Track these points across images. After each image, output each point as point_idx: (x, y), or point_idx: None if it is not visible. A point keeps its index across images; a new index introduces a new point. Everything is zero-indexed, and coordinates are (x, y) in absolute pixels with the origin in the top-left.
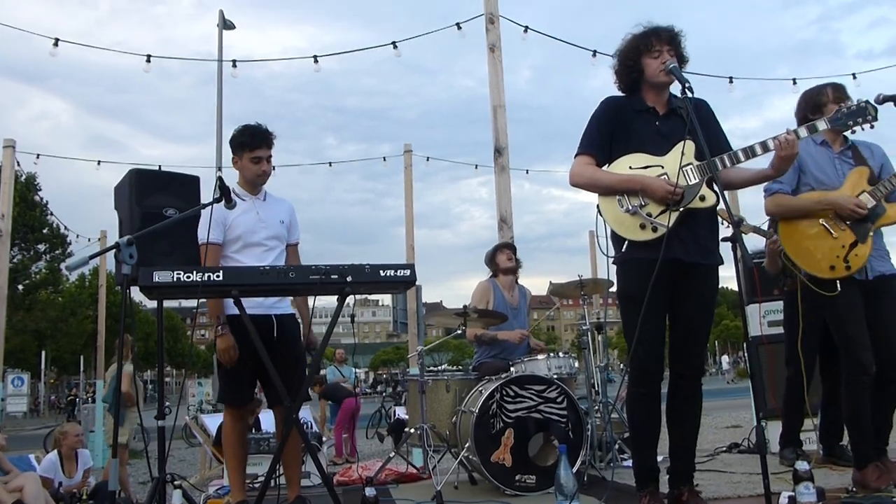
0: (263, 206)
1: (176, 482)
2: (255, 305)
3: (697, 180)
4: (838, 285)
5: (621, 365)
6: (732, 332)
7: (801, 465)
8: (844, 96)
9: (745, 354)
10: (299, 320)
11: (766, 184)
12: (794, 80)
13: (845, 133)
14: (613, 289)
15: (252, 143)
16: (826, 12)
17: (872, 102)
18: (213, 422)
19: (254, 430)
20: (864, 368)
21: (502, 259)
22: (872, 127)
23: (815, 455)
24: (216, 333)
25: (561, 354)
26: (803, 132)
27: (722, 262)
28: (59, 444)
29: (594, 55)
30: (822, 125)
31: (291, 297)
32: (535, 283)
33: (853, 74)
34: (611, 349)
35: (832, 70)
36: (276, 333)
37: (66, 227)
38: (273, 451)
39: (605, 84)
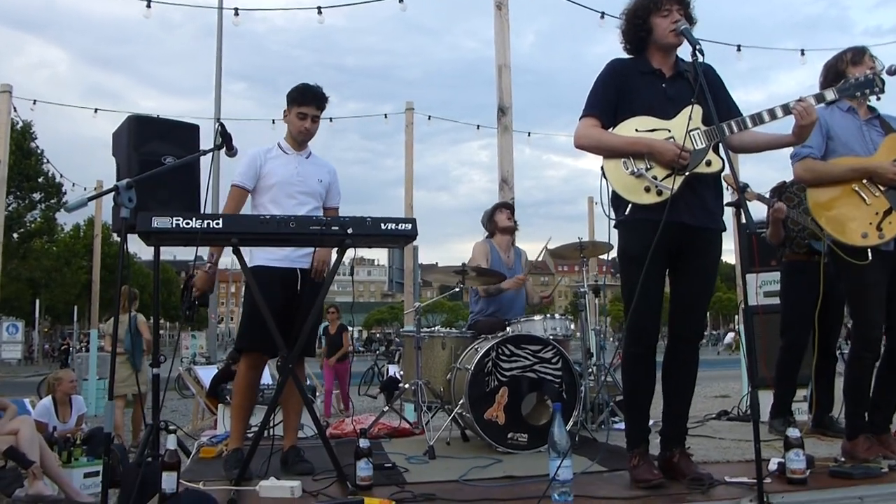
0: (304, 163)
1: (171, 428)
2: (281, 258)
3: (704, 145)
4: (869, 255)
5: (614, 334)
6: (725, 304)
7: (793, 433)
8: (863, 58)
9: (741, 324)
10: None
11: (794, 149)
12: (802, 51)
13: (870, 104)
14: (613, 254)
15: (301, 98)
16: None
17: (880, 75)
18: (206, 374)
19: None
20: (872, 347)
21: (501, 218)
22: (879, 99)
23: (805, 425)
24: (205, 270)
25: (557, 316)
26: (810, 100)
27: (725, 229)
28: (53, 390)
29: (602, 17)
30: (830, 94)
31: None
32: (532, 248)
33: (864, 46)
34: (605, 316)
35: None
36: (300, 286)
37: (62, 176)
38: (269, 401)
39: (610, 50)
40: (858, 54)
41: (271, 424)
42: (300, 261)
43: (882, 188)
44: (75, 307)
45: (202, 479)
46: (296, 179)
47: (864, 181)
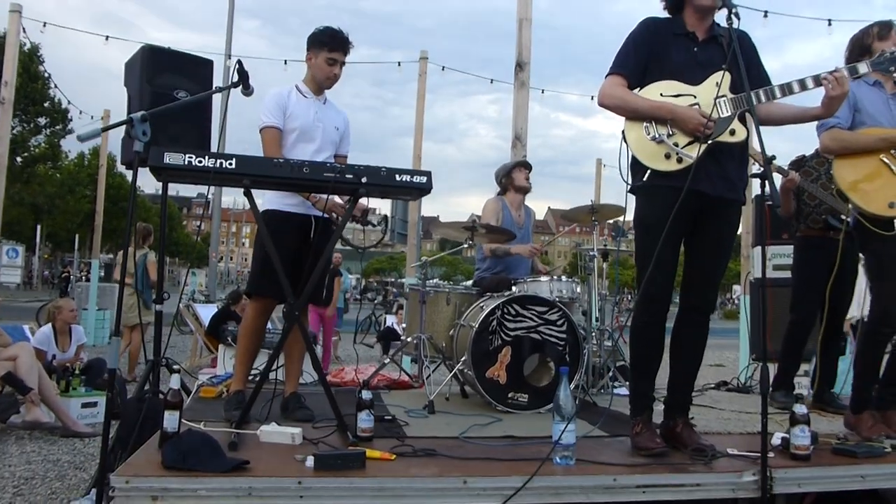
0: (323, 109)
1: (175, 367)
2: (298, 203)
3: (730, 113)
4: (895, 225)
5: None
6: (727, 274)
7: (799, 409)
8: (889, 33)
9: (746, 294)
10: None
11: (820, 119)
12: (829, 20)
13: None
14: (619, 218)
15: (333, 43)
16: None
17: None
18: (205, 312)
19: None
20: (891, 322)
21: (520, 177)
22: None
23: (806, 399)
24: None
25: (564, 278)
26: (844, 72)
27: (745, 202)
28: (52, 319)
29: None
30: (863, 67)
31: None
32: (534, 206)
33: (891, 20)
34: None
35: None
36: (314, 234)
37: (69, 102)
38: (269, 346)
39: (629, 9)
40: (885, 28)
41: (274, 368)
42: (315, 208)
43: None
44: (77, 236)
45: (202, 419)
46: (316, 125)
47: (893, 151)
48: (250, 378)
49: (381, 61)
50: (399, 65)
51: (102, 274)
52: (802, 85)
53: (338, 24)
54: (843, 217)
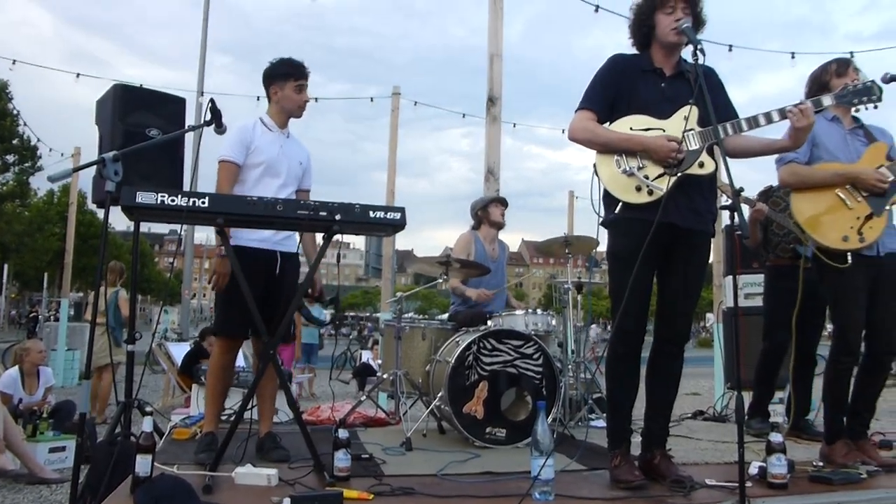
0: (287, 143)
1: (147, 409)
2: (262, 240)
3: (698, 146)
4: (849, 258)
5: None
6: (700, 303)
7: (775, 437)
8: (848, 70)
9: (719, 322)
10: (302, 260)
11: (779, 154)
12: (792, 53)
13: (854, 114)
14: (595, 249)
15: (297, 72)
16: None
17: (879, 82)
18: (178, 350)
19: None
20: (852, 351)
21: (496, 212)
22: (876, 107)
23: (781, 427)
24: (218, 254)
25: (539, 311)
26: (809, 106)
27: (714, 234)
28: (20, 361)
29: (596, 10)
30: (827, 100)
31: (299, 238)
32: (507, 239)
33: (850, 53)
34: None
35: (823, 49)
36: (279, 270)
37: (39, 139)
38: (243, 385)
39: (599, 44)
40: (843, 65)
41: (249, 407)
42: (281, 244)
43: (864, 194)
44: (46, 274)
45: (176, 461)
46: (282, 160)
47: (847, 186)
48: (224, 418)
49: (355, 97)
50: (372, 100)
51: (72, 313)
52: (768, 118)
53: (311, 59)
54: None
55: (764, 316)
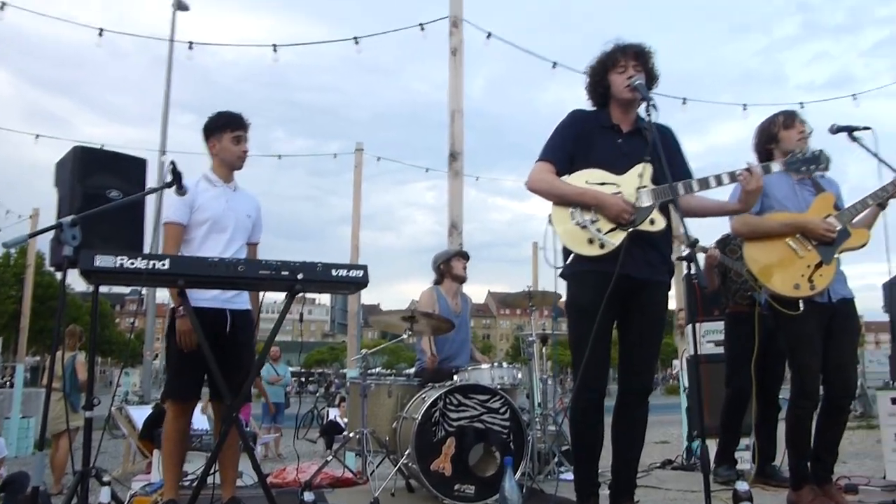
0: (234, 196)
1: (105, 479)
2: (211, 298)
3: (650, 203)
4: (801, 306)
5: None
6: (663, 349)
7: (741, 486)
8: (794, 122)
9: (682, 372)
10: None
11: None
12: (744, 105)
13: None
14: (556, 300)
15: (233, 123)
16: (771, 44)
17: (826, 153)
18: (139, 414)
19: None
20: (810, 395)
21: (458, 266)
22: (823, 176)
23: (748, 474)
24: (177, 315)
25: (505, 365)
26: (758, 170)
27: (670, 286)
28: None
29: (554, 66)
30: (776, 166)
31: (248, 293)
32: (474, 291)
33: (801, 104)
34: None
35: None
36: (230, 329)
37: None
38: (206, 448)
39: (559, 99)
40: (790, 118)
41: (212, 472)
42: (231, 301)
43: (814, 243)
44: (1, 338)
45: None
46: (228, 215)
47: (798, 235)
48: (187, 483)
49: (318, 153)
50: (335, 156)
51: (28, 377)
52: (719, 180)
53: (274, 116)
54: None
55: (726, 363)
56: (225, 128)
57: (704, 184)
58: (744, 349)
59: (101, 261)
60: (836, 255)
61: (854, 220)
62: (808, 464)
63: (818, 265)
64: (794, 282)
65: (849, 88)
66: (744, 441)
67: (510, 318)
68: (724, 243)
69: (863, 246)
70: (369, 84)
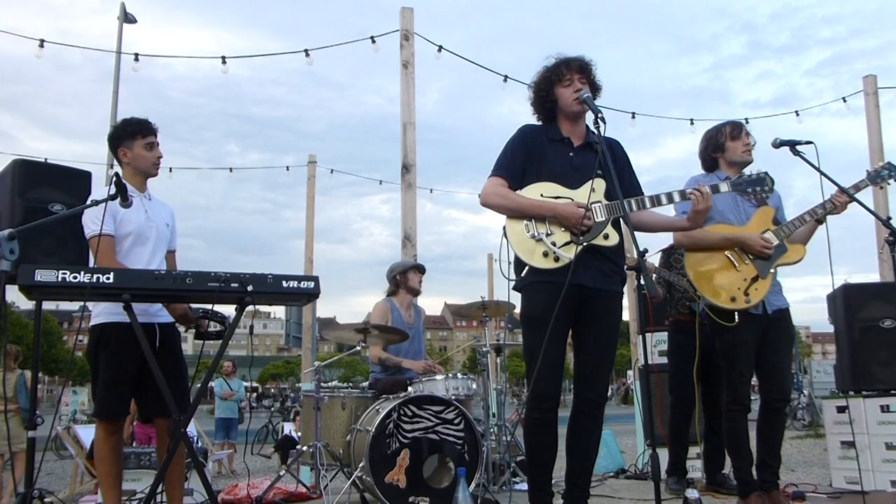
0: (151, 206)
1: (47, 499)
2: (139, 313)
3: (604, 218)
4: (736, 317)
5: (510, 389)
6: (618, 360)
7: (692, 494)
8: (741, 133)
9: (636, 382)
10: (180, 329)
11: (675, 215)
12: (691, 120)
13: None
14: (510, 310)
15: (143, 129)
16: (718, 62)
17: (770, 175)
18: (86, 433)
19: (133, 444)
20: (741, 400)
21: (415, 279)
22: (768, 198)
23: (699, 483)
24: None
25: (459, 375)
26: (707, 189)
27: (622, 292)
28: None
29: (505, 80)
30: (724, 187)
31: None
32: (431, 303)
33: (746, 119)
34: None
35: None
36: (159, 343)
37: None
38: (154, 466)
39: (511, 112)
40: (737, 129)
41: (159, 491)
42: (158, 315)
43: (751, 256)
44: None
45: None
46: (149, 225)
47: (736, 249)
48: (134, 502)
49: (272, 166)
50: (287, 169)
51: None
52: (670, 198)
53: (227, 130)
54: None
55: (669, 371)
56: (136, 135)
57: (656, 201)
58: (685, 357)
59: (42, 275)
60: (771, 270)
61: (791, 236)
62: (754, 470)
63: (754, 279)
64: (731, 294)
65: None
66: (695, 450)
67: (466, 331)
68: (667, 254)
69: (799, 261)
70: (323, 98)
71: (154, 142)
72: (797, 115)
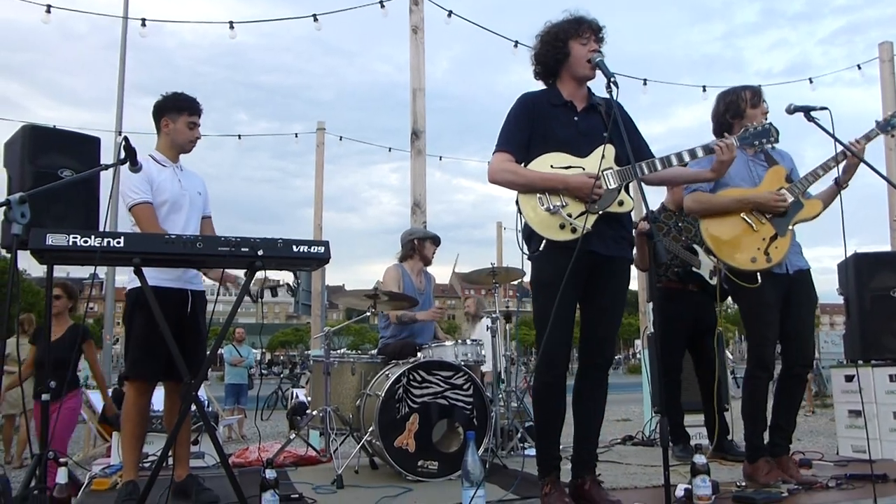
0: (183, 176)
1: (61, 459)
2: (174, 278)
3: (616, 185)
4: (759, 278)
5: (519, 358)
6: (626, 329)
7: (699, 459)
8: (760, 101)
9: (643, 350)
10: (208, 297)
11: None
12: (703, 87)
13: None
14: (525, 279)
15: (192, 107)
16: (731, 30)
17: (775, 126)
18: (99, 398)
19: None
20: (767, 365)
21: (430, 250)
22: (773, 148)
23: (706, 449)
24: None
25: (469, 341)
26: (733, 140)
27: (633, 259)
28: None
29: (516, 46)
30: (733, 142)
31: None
32: (440, 271)
33: (759, 86)
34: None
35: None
36: (190, 309)
37: None
38: (161, 430)
39: (522, 80)
40: (756, 96)
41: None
42: (192, 282)
43: (768, 216)
44: None
45: None
46: (183, 193)
47: (752, 209)
48: (147, 465)
49: (280, 133)
50: (296, 136)
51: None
52: (693, 154)
53: (235, 98)
54: (694, 269)
55: (656, 338)
56: (183, 110)
57: (667, 162)
58: (675, 325)
59: (54, 239)
60: (790, 227)
61: (810, 193)
62: (764, 436)
63: (773, 238)
64: (751, 255)
65: (806, 76)
66: (692, 418)
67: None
68: (654, 219)
69: (816, 216)
70: (332, 65)
71: (197, 122)
72: (811, 82)
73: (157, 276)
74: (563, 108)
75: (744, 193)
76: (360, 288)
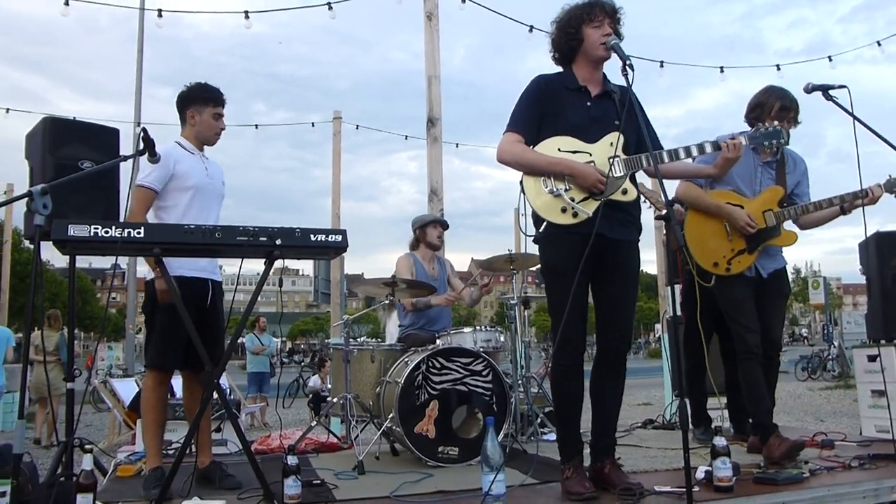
0: (208, 164)
1: (87, 446)
2: (196, 268)
3: (623, 173)
4: (713, 280)
5: (539, 344)
6: (647, 314)
7: (719, 441)
8: (788, 116)
9: (664, 332)
10: (225, 288)
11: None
12: (721, 67)
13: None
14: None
15: (217, 99)
16: (750, 10)
17: (785, 129)
18: (123, 387)
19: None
20: (751, 349)
21: (433, 234)
22: (781, 148)
23: (727, 432)
24: (156, 276)
25: (487, 328)
26: (742, 139)
27: (639, 240)
28: None
29: (531, 30)
30: (742, 140)
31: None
32: (458, 258)
33: (777, 66)
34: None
35: (754, 64)
36: (210, 299)
37: None
38: (182, 418)
39: (538, 66)
40: (784, 112)
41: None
42: (213, 272)
43: None
44: None
45: (120, 499)
46: (208, 181)
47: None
48: (171, 451)
49: (297, 122)
50: (313, 125)
51: (9, 356)
52: (688, 151)
53: (253, 88)
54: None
55: (683, 323)
56: (209, 102)
57: (674, 155)
58: (695, 309)
59: (75, 230)
60: (759, 249)
61: (802, 218)
62: (770, 413)
63: (741, 251)
64: (714, 260)
65: (826, 54)
66: (715, 401)
67: (494, 286)
68: (670, 205)
69: (789, 245)
70: (347, 55)
71: (222, 114)
72: (830, 60)
73: (183, 267)
74: (576, 93)
75: (723, 205)
76: (379, 276)
